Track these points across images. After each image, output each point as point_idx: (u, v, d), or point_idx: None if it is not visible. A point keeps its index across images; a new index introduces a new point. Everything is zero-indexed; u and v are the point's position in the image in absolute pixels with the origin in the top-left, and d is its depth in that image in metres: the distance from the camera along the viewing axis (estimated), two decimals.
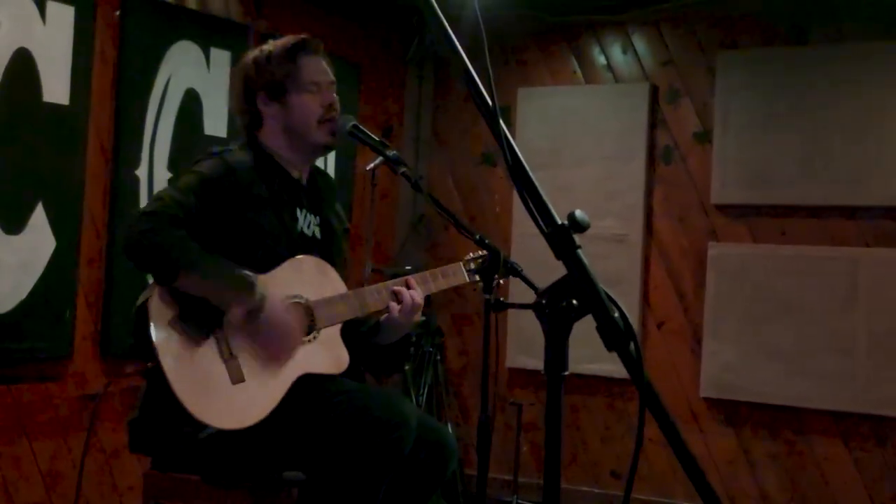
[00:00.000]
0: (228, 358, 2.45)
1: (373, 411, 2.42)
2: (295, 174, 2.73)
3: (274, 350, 2.49)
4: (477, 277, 2.84)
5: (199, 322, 2.44)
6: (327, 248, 2.74)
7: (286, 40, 2.74)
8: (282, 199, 2.66)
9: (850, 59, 4.79)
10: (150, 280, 2.52)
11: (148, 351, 2.39)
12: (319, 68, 2.73)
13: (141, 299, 2.47)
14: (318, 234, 2.75)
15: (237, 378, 2.44)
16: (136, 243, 2.43)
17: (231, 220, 2.54)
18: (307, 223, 2.72)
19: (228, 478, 2.55)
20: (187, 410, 2.35)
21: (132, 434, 2.56)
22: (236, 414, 2.41)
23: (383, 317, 2.74)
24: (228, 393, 2.42)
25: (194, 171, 2.57)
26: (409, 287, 2.72)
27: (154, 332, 2.39)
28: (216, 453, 2.49)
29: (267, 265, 2.55)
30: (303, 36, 2.76)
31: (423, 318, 4.30)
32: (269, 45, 2.75)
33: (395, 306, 2.68)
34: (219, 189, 2.53)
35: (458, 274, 2.84)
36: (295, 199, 2.71)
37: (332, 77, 2.76)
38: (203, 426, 2.39)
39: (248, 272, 2.47)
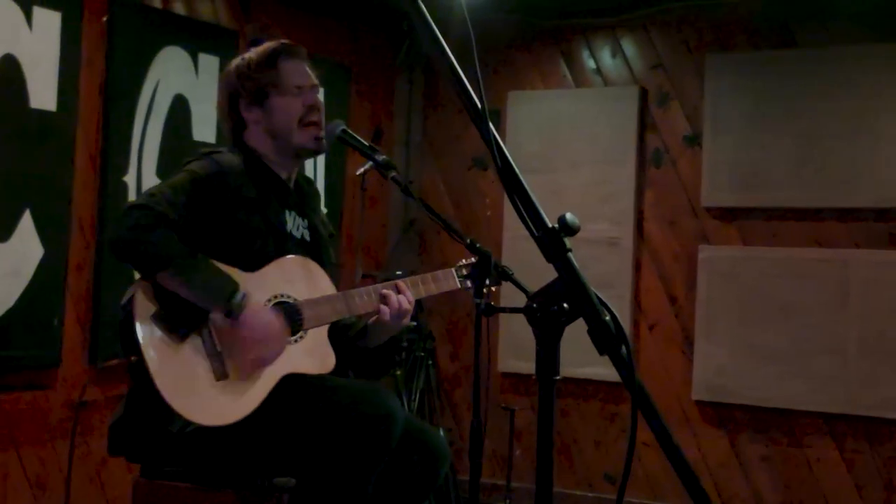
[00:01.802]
0: (212, 354, 2.44)
1: (358, 406, 2.41)
2: (283, 175, 2.74)
3: (256, 354, 2.47)
4: (469, 283, 2.82)
5: (184, 318, 2.43)
6: (316, 252, 2.74)
7: (266, 45, 2.77)
8: (270, 199, 2.67)
9: (839, 61, 4.80)
10: (137, 276, 2.51)
11: (132, 345, 2.38)
12: (300, 71, 2.74)
13: (127, 295, 2.47)
14: (306, 237, 2.75)
15: (221, 375, 2.44)
16: (122, 237, 2.44)
17: (220, 220, 2.54)
18: (296, 225, 2.73)
19: (212, 476, 2.53)
20: (169, 406, 2.34)
21: (112, 436, 2.54)
22: (218, 411, 2.40)
23: (371, 319, 2.74)
24: (211, 389, 2.41)
25: (185, 170, 2.58)
26: (398, 291, 2.70)
27: (138, 327, 2.38)
28: (200, 451, 2.48)
29: (255, 264, 2.56)
30: (283, 41, 2.79)
31: (414, 324, 4.28)
32: (251, 53, 2.77)
33: (385, 309, 2.66)
34: (209, 189, 2.54)
35: (450, 280, 2.83)
36: (283, 200, 2.72)
37: (314, 80, 2.77)
38: (186, 423, 2.38)
39: (231, 275, 2.47)
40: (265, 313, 2.50)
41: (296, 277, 2.63)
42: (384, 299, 2.67)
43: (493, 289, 2.81)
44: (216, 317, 2.45)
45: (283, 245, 2.64)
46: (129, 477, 2.67)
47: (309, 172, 4.96)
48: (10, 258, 3.74)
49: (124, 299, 2.47)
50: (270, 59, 2.71)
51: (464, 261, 2.85)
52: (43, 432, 3.93)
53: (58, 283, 3.93)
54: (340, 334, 2.72)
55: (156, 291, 2.44)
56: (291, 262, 2.64)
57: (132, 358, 2.37)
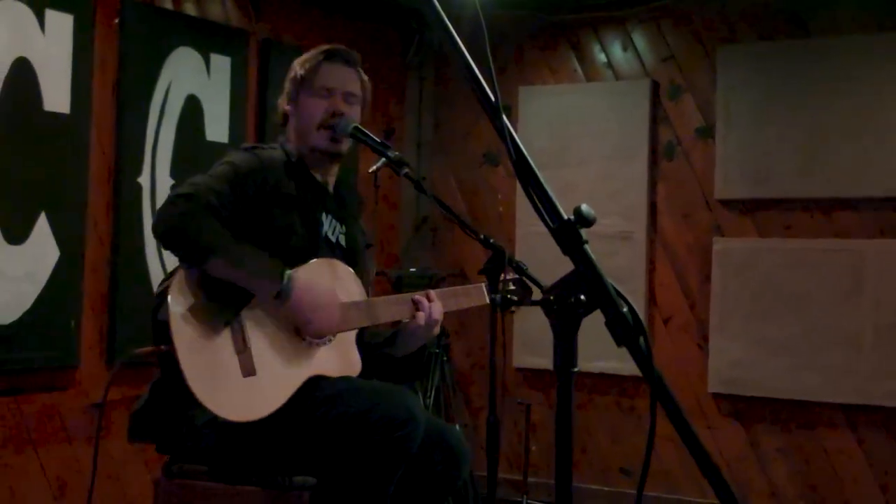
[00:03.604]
0: (242, 349, 2.45)
1: (379, 408, 2.41)
2: (319, 178, 2.75)
3: (319, 323, 2.49)
4: (499, 299, 2.76)
5: (217, 311, 2.44)
6: (352, 259, 2.73)
7: (321, 46, 2.80)
8: (308, 200, 2.67)
9: (850, 51, 4.78)
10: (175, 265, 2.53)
11: (164, 335, 2.39)
12: (337, 76, 2.74)
13: (162, 285, 2.48)
14: (342, 243, 2.75)
15: (248, 371, 2.44)
16: (170, 225, 2.44)
17: (258, 215, 2.55)
18: (332, 228, 2.73)
19: (233, 472, 2.55)
20: (196, 398, 2.35)
21: (133, 423, 2.55)
22: (244, 407, 2.41)
23: (401, 326, 2.73)
24: (238, 385, 2.42)
25: (226, 161, 2.59)
26: (429, 300, 2.71)
27: (171, 317, 2.39)
28: (222, 445, 2.49)
29: (289, 263, 2.55)
30: (339, 46, 2.80)
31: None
32: (310, 51, 2.81)
33: (420, 315, 2.67)
34: (250, 182, 2.55)
35: (480, 294, 2.81)
36: (320, 203, 2.72)
37: (350, 88, 2.74)
38: (210, 416, 2.39)
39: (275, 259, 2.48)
40: (314, 283, 2.50)
41: (330, 279, 2.62)
42: (417, 305, 2.68)
43: (515, 309, 2.81)
44: (262, 299, 2.45)
45: (317, 247, 2.64)
46: (149, 477, 2.68)
47: None
48: (27, 261, 3.76)
49: (159, 289, 2.48)
50: (315, 59, 2.74)
51: (502, 277, 2.81)
52: (61, 433, 3.95)
53: (74, 285, 3.95)
54: (368, 343, 2.72)
55: (193, 282, 2.45)
56: (327, 264, 2.64)
57: (162, 347, 2.38)
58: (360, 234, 2.84)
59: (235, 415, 2.39)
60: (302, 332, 2.51)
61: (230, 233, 2.45)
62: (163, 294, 2.44)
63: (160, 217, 2.47)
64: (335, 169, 2.81)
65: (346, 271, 2.67)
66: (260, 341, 2.48)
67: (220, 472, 2.56)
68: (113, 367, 3.02)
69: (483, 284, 2.79)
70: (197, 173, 2.58)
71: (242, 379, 2.43)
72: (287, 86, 2.77)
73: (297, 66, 2.75)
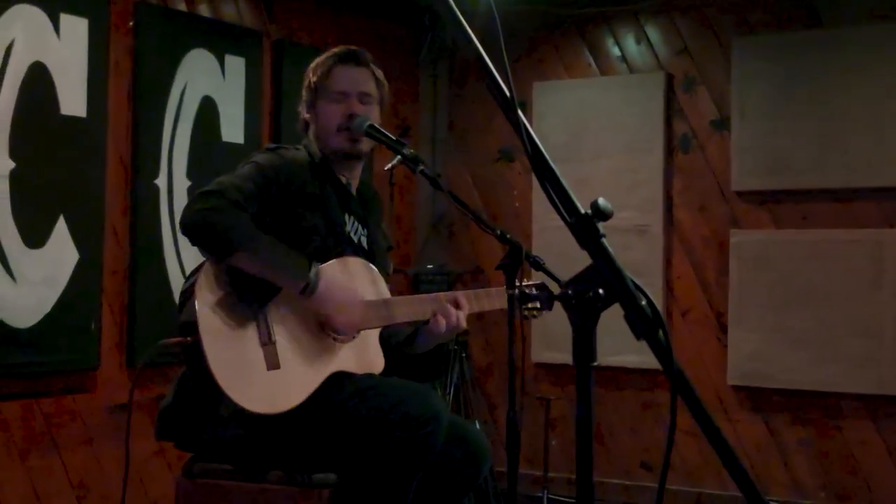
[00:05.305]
0: (267, 343, 2.47)
1: (403, 406, 2.43)
2: (343, 180, 2.76)
3: (344, 319, 2.50)
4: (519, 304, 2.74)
5: (243, 305, 2.46)
6: (372, 261, 2.75)
7: (331, 50, 2.82)
8: (332, 200, 2.69)
9: (864, 41, 4.75)
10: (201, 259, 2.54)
11: (190, 327, 2.41)
12: (350, 78, 2.75)
13: (189, 279, 2.50)
14: (364, 244, 2.78)
15: (273, 364, 2.46)
16: (195, 221, 2.46)
17: (282, 214, 2.57)
18: (354, 229, 2.75)
19: (255, 468, 2.56)
20: (220, 388, 2.36)
21: (161, 422, 2.57)
22: (268, 399, 2.43)
23: (421, 327, 2.74)
24: (262, 377, 2.44)
25: (252, 161, 2.62)
26: (457, 305, 2.71)
27: (198, 309, 2.41)
28: (246, 440, 2.50)
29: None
30: (350, 47, 2.82)
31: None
32: (320, 56, 2.83)
33: (442, 321, 2.67)
34: (274, 181, 2.57)
35: (501, 298, 2.80)
36: (344, 203, 2.74)
37: (364, 88, 2.76)
38: (235, 409, 2.40)
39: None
40: (338, 281, 2.53)
41: (356, 277, 2.64)
42: (443, 310, 2.68)
43: (537, 314, 2.82)
44: (288, 293, 2.47)
45: (341, 246, 2.66)
46: (170, 477, 2.69)
47: None
48: (46, 264, 3.79)
49: (186, 282, 2.51)
50: (327, 63, 2.76)
51: (523, 282, 2.79)
52: (83, 435, 3.98)
53: (93, 288, 3.97)
54: (386, 341, 2.74)
55: (220, 277, 2.47)
56: (351, 262, 2.66)
57: (188, 339, 2.40)
58: (381, 237, 2.86)
59: (259, 407, 2.41)
60: (325, 327, 2.53)
61: (256, 227, 2.47)
62: (190, 287, 2.46)
63: (186, 212, 2.49)
64: (358, 171, 2.83)
65: (374, 270, 2.70)
66: (285, 335, 2.50)
67: (241, 470, 2.58)
68: (141, 360, 3.00)
69: (504, 288, 2.79)
70: (214, 173, 2.60)
71: (267, 372, 2.45)
72: (304, 94, 2.80)
73: (311, 74, 2.78)
